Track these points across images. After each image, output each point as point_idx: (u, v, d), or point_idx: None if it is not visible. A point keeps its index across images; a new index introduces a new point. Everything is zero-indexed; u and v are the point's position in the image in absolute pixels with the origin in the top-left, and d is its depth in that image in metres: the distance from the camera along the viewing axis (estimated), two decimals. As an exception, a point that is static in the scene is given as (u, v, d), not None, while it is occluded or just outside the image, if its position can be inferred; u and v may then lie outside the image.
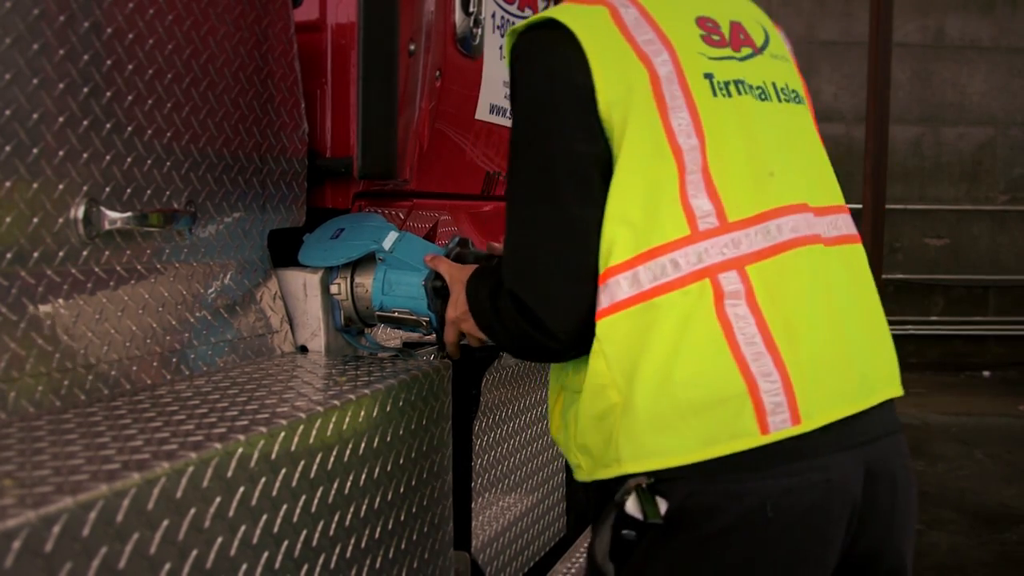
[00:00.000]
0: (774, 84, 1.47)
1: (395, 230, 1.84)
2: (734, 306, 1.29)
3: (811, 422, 1.29)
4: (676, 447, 1.28)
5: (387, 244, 1.80)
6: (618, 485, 1.32)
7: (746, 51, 1.47)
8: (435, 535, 1.71)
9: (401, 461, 1.58)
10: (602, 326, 1.32)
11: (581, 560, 2.56)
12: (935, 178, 9.99)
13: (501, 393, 2.46)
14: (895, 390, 1.45)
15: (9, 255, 1.26)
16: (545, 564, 2.66)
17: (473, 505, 2.25)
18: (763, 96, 1.44)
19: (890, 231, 8.83)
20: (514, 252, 1.42)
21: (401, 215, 2.24)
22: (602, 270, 1.32)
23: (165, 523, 1.06)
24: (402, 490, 1.59)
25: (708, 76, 1.39)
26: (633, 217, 1.32)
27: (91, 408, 1.31)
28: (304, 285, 1.82)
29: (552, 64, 1.37)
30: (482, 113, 2.44)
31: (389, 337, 2.11)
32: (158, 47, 1.51)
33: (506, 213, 1.43)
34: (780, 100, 1.47)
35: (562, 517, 2.90)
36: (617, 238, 1.32)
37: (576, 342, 1.36)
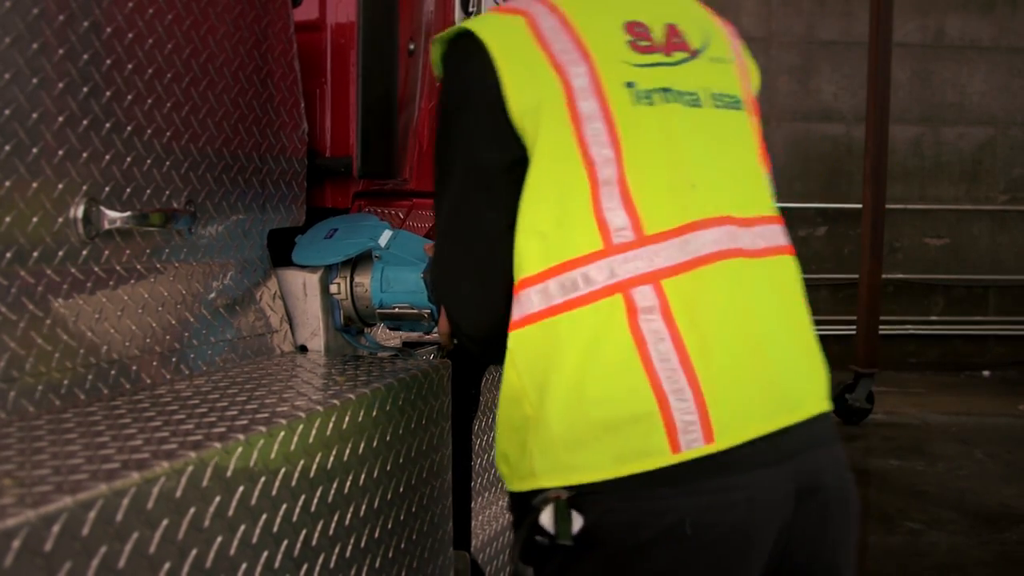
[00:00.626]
0: (708, 89, 1.42)
1: (389, 228, 1.84)
2: (649, 321, 1.25)
3: (724, 440, 1.25)
4: (589, 463, 1.25)
5: (383, 241, 1.81)
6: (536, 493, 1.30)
7: (679, 55, 1.41)
8: (435, 534, 1.71)
9: (401, 460, 1.58)
10: (513, 338, 1.31)
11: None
12: (935, 178, 9.98)
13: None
14: (823, 405, 1.40)
15: (9, 254, 1.26)
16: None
17: (473, 504, 2.25)
18: (694, 102, 1.39)
19: (890, 231, 8.82)
20: (435, 255, 1.47)
21: (400, 214, 2.24)
22: (517, 280, 1.31)
23: (165, 522, 1.06)
24: (402, 489, 1.59)
25: (630, 84, 1.34)
26: (544, 229, 1.30)
27: (91, 408, 1.31)
28: (304, 285, 1.83)
29: (465, 73, 1.39)
30: (482, 113, 2.44)
31: (389, 337, 2.11)
32: (157, 46, 1.51)
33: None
34: (715, 106, 1.41)
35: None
36: (528, 250, 1.31)
37: (492, 345, 1.38)
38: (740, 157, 1.44)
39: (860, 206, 7.41)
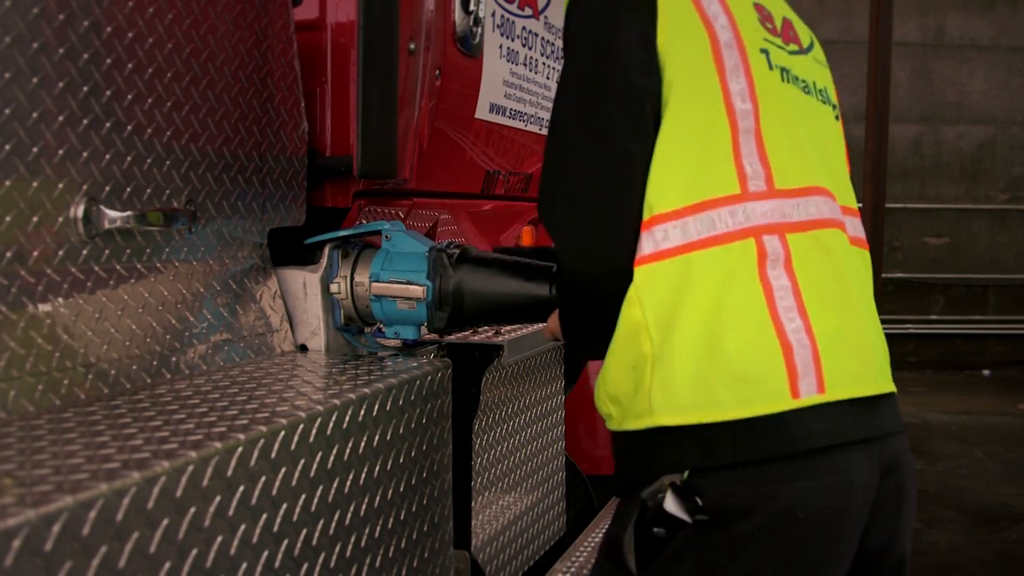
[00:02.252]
0: (815, 84, 1.52)
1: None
2: (773, 269, 1.32)
3: (834, 392, 1.31)
4: (713, 402, 1.28)
5: (390, 226, 1.85)
6: (638, 451, 1.34)
7: (793, 47, 1.51)
8: (435, 534, 1.71)
9: (401, 460, 1.58)
10: (641, 273, 1.32)
11: (581, 559, 2.56)
12: (935, 177, 9.99)
13: (501, 392, 2.46)
14: (893, 386, 1.49)
15: (9, 254, 1.26)
16: (544, 563, 2.66)
17: (473, 504, 2.25)
18: (806, 90, 1.49)
19: (890, 230, 8.84)
20: (555, 183, 1.41)
21: (401, 214, 2.24)
22: (648, 215, 1.32)
23: (165, 522, 1.06)
24: (402, 489, 1.59)
25: (764, 52, 1.42)
26: (685, 167, 1.33)
27: (91, 407, 1.31)
28: (304, 284, 1.83)
29: (618, 3, 1.38)
30: (482, 112, 2.44)
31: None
32: (158, 46, 1.51)
33: (547, 147, 1.43)
34: (819, 100, 1.52)
35: (562, 516, 2.90)
36: (667, 186, 1.33)
37: (610, 284, 1.36)
38: (837, 151, 1.53)
39: (860, 205, 7.42)
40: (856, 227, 1.51)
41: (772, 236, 1.33)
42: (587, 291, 1.41)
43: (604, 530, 2.39)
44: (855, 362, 1.37)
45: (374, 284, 1.82)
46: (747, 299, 1.30)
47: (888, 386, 1.44)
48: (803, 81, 1.49)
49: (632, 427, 1.36)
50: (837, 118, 1.59)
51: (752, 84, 1.38)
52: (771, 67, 1.42)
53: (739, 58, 1.38)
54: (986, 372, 9.60)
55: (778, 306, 1.30)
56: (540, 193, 1.44)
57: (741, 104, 1.36)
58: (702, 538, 1.30)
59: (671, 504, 1.29)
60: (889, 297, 9.03)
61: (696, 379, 1.29)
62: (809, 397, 1.29)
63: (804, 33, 1.58)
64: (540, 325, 2.33)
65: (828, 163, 1.48)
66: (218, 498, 1.14)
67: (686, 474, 1.30)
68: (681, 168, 1.33)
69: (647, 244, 1.32)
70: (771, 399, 1.28)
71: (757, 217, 1.33)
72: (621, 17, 1.37)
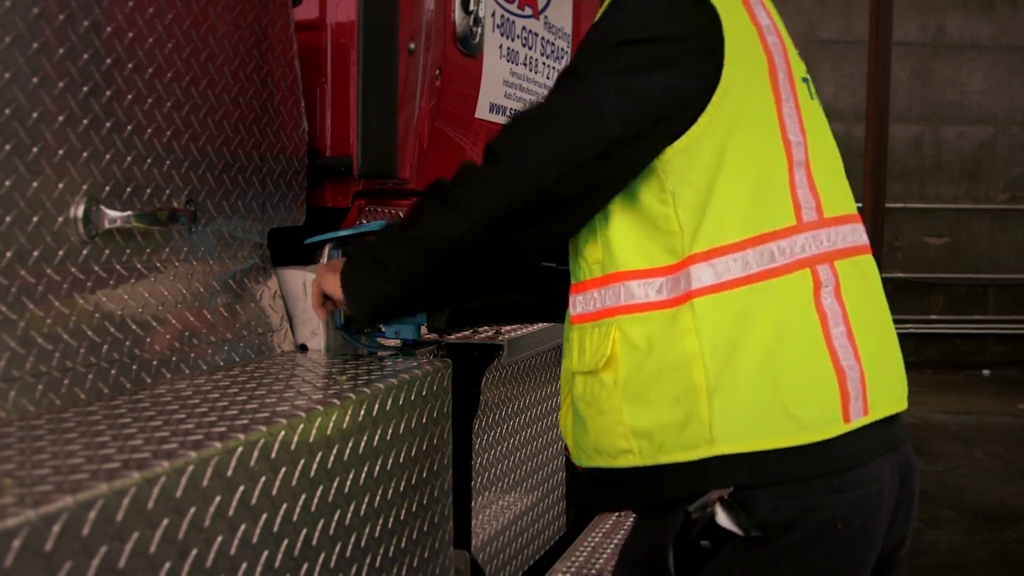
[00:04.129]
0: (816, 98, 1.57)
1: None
2: (827, 297, 1.35)
3: (875, 413, 1.36)
4: (774, 430, 1.31)
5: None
6: (677, 481, 1.34)
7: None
8: (435, 534, 1.71)
9: (401, 460, 1.58)
10: (703, 303, 1.33)
11: (581, 559, 2.56)
12: (935, 177, 9.99)
13: (500, 392, 2.46)
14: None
15: (9, 254, 1.26)
16: (544, 563, 2.66)
17: (473, 504, 2.25)
18: (821, 105, 1.53)
19: (890, 230, 8.84)
20: (531, 118, 1.42)
21: (401, 214, 2.24)
22: (707, 247, 1.34)
23: (165, 522, 1.06)
24: (402, 489, 1.59)
25: (805, 80, 1.46)
26: (744, 200, 1.35)
27: (91, 407, 1.31)
28: (304, 284, 1.83)
29: (682, 9, 1.36)
30: (482, 112, 2.44)
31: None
32: (158, 46, 1.51)
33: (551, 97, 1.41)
34: (824, 111, 1.56)
35: (561, 516, 2.90)
36: (727, 218, 1.34)
37: (488, 229, 1.38)
38: (841, 161, 1.56)
39: (860, 205, 7.42)
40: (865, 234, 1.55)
41: (824, 265, 1.36)
42: (481, 238, 1.40)
43: (608, 533, 2.39)
44: (889, 381, 1.43)
45: None
46: (805, 328, 1.34)
47: (907, 401, 1.50)
48: (817, 97, 1.52)
49: (676, 459, 1.35)
50: None
51: (800, 116, 1.40)
52: (811, 96, 1.46)
53: (790, 89, 1.40)
54: (986, 372, 9.60)
55: (831, 332, 1.34)
56: (510, 126, 1.44)
57: (794, 136, 1.39)
58: (748, 551, 1.32)
59: (723, 519, 1.30)
60: (889, 297, 8.99)
61: (758, 407, 1.32)
62: (857, 420, 1.34)
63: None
64: (540, 325, 2.34)
65: (845, 179, 1.52)
66: (218, 498, 1.14)
67: (732, 488, 1.32)
68: (741, 201, 1.35)
69: (707, 275, 1.33)
70: (827, 425, 1.33)
71: (812, 247, 1.36)
72: (685, 24, 1.36)
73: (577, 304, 1.47)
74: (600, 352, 1.40)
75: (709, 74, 1.34)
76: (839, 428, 1.32)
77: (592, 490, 1.51)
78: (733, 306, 1.33)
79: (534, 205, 1.38)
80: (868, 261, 1.46)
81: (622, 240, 1.39)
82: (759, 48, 1.39)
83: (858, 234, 1.45)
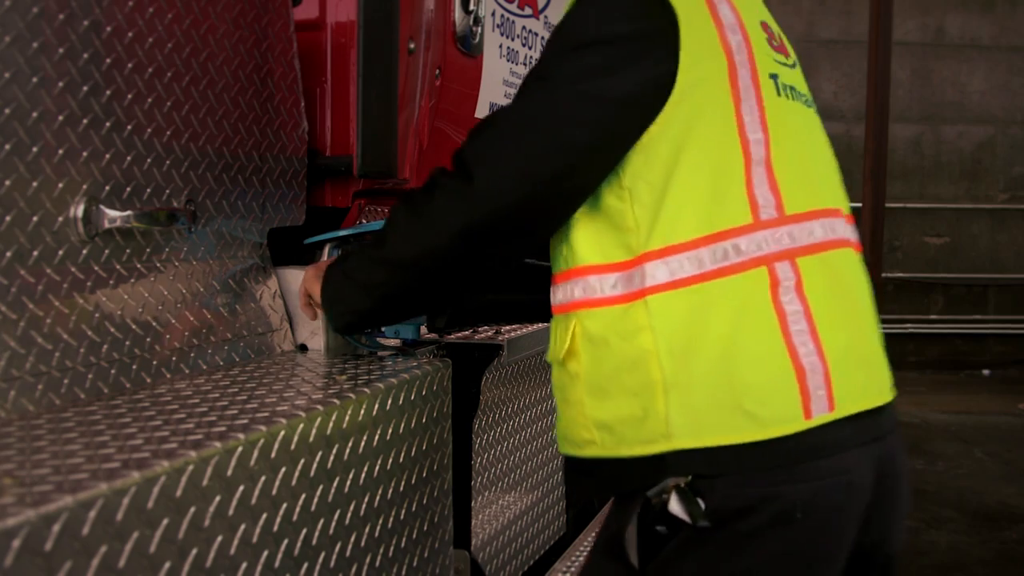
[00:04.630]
0: (806, 92, 1.56)
1: None
2: (786, 294, 1.35)
3: (842, 410, 1.35)
4: (731, 426, 1.32)
5: None
6: (637, 473, 1.36)
7: (790, 60, 1.54)
8: (435, 533, 1.71)
9: (401, 459, 1.58)
10: (657, 300, 1.34)
11: (581, 559, 2.56)
12: (935, 176, 9.99)
13: (500, 391, 2.46)
14: (893, 392, 1.52)
15: (9, 254, 1.26)
16: (544, 563, 2.66)
17: (473, 503, 2.25)
18: (808, 104, 1.53)
19: (890, 229, 8.84)
20: (499, 122, 1.42)
21: (401, 214, 2.24)
22: (662, 245, 1.35)
23: (165, 522, 1.06)
24: (402, 488, 1.59)
25: (773, 76, 1.44)
26: (699, 200, 1.35)
27: (91, 407, 1.31)
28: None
29: (635, 9, 1.37)
30: (482, 111, 2.44)
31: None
32: (158, 45, 1.51)
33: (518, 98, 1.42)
34: (812, 109, 1.56)
35: (561, 516, 2.90)
36: (682, 217, 1.35)
37: (463, 244, 1.40)
38: (831, 157, 1.55)
39: (860, 205, 7.42)
40: (853, 231, 1.53)
41: (783, 262, 1.36)
42: (456, 250, 1.42)
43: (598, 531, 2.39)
44: (863, 377, 1.41)
45: None
46: (762, 326, 1.34)
47: (890, 395, 1.48)
48: (803, 95, 1.51)
49: (635, 453, 1.36)
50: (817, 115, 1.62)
51: (763, 113, 1.40)
52: (779, 92, 1.45)
53: (752, 87, 1.40)
54: (986, 372, 9.60)
55: (791, 330, 1.34)
56: (478, 130, 1.44)
57: (753, 135, 1.38)
58: (704, 536, 1.32)
59: (675, 506, 1.32)
60: (889, 297, 9.03)
61: (715, 405, 1.32)
62: (820, 416, 1.34)
63: (788, 43, 1.59)
64: (541, 325, 2.34)
65: (830, 176, 1.52)
66: (218, 498, 1.14)
67: (690, 476, 1.32)
68: (696, 199, 1.35)
69: (662, 273, 1.34)
70: (786, 422, 1.33)
71: (769, 245, 1.36)
72: (639, 24, 1.36)
73: (556, 294, 1.49)
74: (563, 344, 1.43)
75: (666, 73, 1.34)
76: (799, 425, 1.32)
77: (568, 477, 1.55)
78: (687, 304, 1.34)
79: (509, 220, 1.40)
80: (844, 256, 1.44)
81: (581, 235, 1.41)
82: (719, 47, 1.38)
83: (832, 229, 1.44)
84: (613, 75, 1.35)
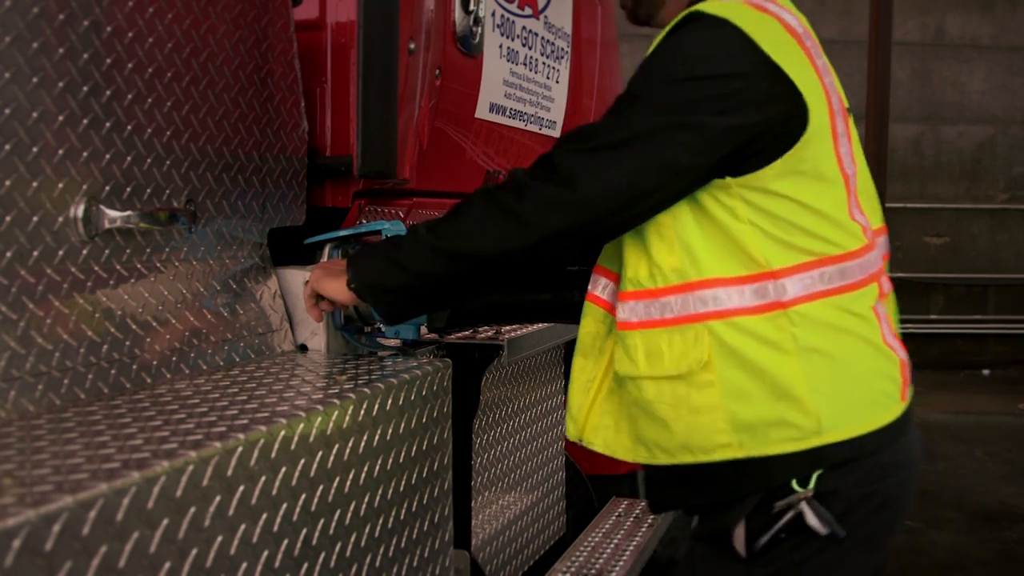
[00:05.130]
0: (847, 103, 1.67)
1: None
2: (881, 306, 1.55)
3: (907, 400, 1.55)
4: (862, 418, 1.46)
5: (389, 226, 1.84)
6: (785, 469, 1.45)
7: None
8: (435, 533, 1.71)
9: (401, 460, 1.58)
10: (798, 311, 1.45)
11: (580, 559, 2.56)
12: (935, 176, 9.99)
13: (501, 392, 2.46)
14: None
15: (9, 254, 1.26)
16: (544, 563, 2.66)
17: (473, 503, 2.25)
18: (849, 111, 1.62)
19: (890, 229, 8.83)
20: (596, 143, 1.47)
21: (401, 213, 2.24)
22: (792, 263, 1.46)
23: (165, 522, 1.06)
24: (402, 488, 1.59)
25: (849, 110, 1.59)
26: (817, 229, 1.48)
27: (91, 407, 1.31)
28: (304, 284, 1.82)
29: (737, 54, 1.43)
30: (482, 112, 2.44)
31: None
32: (158, 46, 1.51)
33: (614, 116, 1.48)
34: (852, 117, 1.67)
35: (561, 516, 2.90)
36: (807, 242, 1.46)
37: (545, 245, 1.47)
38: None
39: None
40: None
41: (883, 277, 1.59)
42: (550, 250, 1.49)
43: (608, 533, 2.39)
44: (907, 376, 1.59)
45: None
46: (874, 328, 1.51)
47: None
48: (849, 109, 1.61)
49: (783, 450, 1.45)
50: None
51: (851, 148, 1.54)
52: (850, 115, 1.58)
53: (843, 124, 1.53)
54: (986, 372, 9.60)
55: (885, 333, 1.54)
56: (573, 136, 1.51)
57: (848, 169, 1.52)
58: (819, 540, 1.45)
59: (812, 519, 1.43)
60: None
61: (852, 399, 1.47)
62: (903, 402, 1.53)
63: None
64: (541, 325, 2.34)
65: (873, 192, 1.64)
66: (218, 498, 1.14)
67: (812, 483, 1.43)
68: (825, 222, 1.48)
69: (798, 287, 1.45)
70: (895, 404, 1.51)
71: (873, 264, 1.54)
72: (745, 66, 1.43)
73: (639, 310, 1.52)
74: (692, 358, 1.47)
75: (789, 117, 1.43)
76: (900, 408, 1.51)
77: (670, 487, 1.59)
78: (824, 311, 1.46)
79: (595, 227, 1.48)
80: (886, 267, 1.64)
81: (703, 250, 1.48)
82: (819, 88, 1.48)
83: (885, 246, 1.63)
84: (718, 109, 1.42)
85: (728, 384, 1.46)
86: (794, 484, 1.44)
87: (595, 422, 1.62)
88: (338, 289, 1.64)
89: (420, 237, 1.56)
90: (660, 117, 1.44)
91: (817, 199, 1.47)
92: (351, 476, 1.43)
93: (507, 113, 2.58)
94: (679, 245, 1.48)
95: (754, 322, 1.45)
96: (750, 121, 1.42)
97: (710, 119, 1.41)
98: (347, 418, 1.42)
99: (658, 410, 1.51)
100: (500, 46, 2.48)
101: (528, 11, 2.63)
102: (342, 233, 1.88)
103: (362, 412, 1.46)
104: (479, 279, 1.59)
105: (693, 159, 1.42)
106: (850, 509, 1.45)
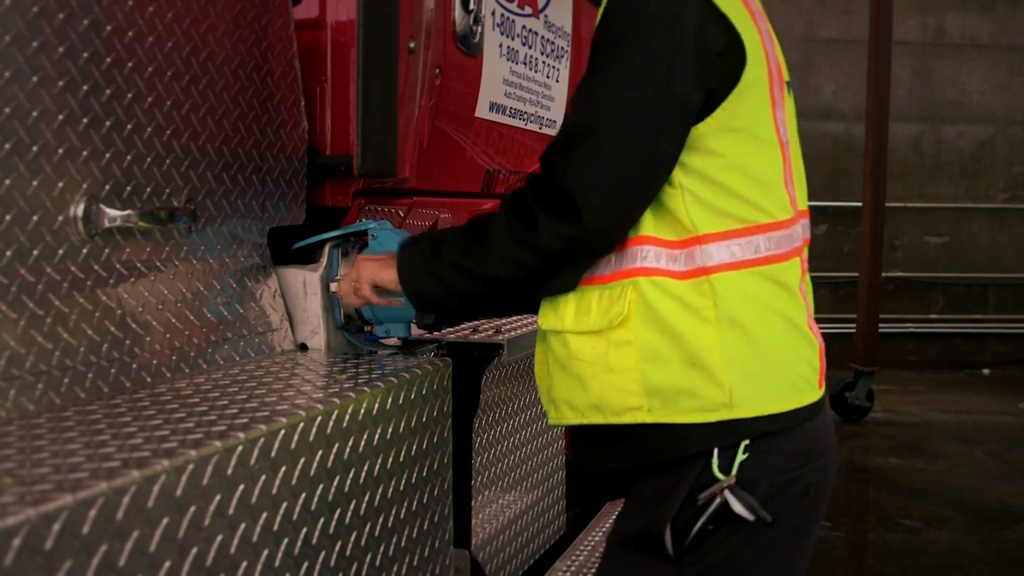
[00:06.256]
0: (789, 79, 1.64)
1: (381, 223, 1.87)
2: (803, 282, 1.54)
3: (823, 388, 1.56)
4: (776, 398, 1.45)
5: (375, 225, 1.84)
6: (692, 439, 1.44)
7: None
8: (435, 532, 1.71)
9: (401, 459, 1.58)
10: (721, 279, 1.43)
11: (580, 558, 2.56)
12: (935, 176, 9.98)
13: (501, 391, 2.46)
14: None
15: (9, 253, 1.26)
16: (544, 562, 2.66)
17: (473, 503, 2.25)
18: (791, 89, 1.61)
19: (890, 229, 8.83)
20: (582, 149, 1.43)
21: (401, 213, 2.24)
22: (722, 229, 1.44)
23: (165, 521, 1.06)
24: (402, 488, 1.59)
25: (787, 83, 1.58)
26: (754, 191, 1.46)
27: (91, 406, 1.31)
28: (304, 283, 1.83)
29: (682, 11, 1.40)
30: (482, 111, 2.44)
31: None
32: (158, 45, 1.51)
33: (573, 119, 1.45)
34: (793, 96, 1.64)
35: (561, 515, 2.90)
36: (738, 208, 1.45)
37: (599, 239, 1.44)
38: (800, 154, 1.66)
39: (860, 204, 7.41)
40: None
41: (804, 252, 1.56)
42: (572, 251, 1.44)
43: (606, 528, 2.38)
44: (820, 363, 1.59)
45: None
46: (800, 305, 1.51)
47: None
48: (790, 83, 1.60)
49: (691, 420, 1.43)
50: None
51: (786, 115, 1.53)
52: (788, 90, 1.57)
53: (780, 92, 1.51)
54: (986, 371, 9.59)
55: (808, 314, 1.53)
56: (556, 152, 1.47)
57: (783, 136, 1.51)
58: (742, 527, 1.44)
59: (738, 507, 1.42)
60: (889, 296, 9.03)
61: (767, 376, 1.45)
62: (818, 390, 1.53)
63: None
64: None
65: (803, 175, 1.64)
66: (218, 497, 1.14)
67: (735, 470, 1.42)
68: (748, 194, 1.46)
69: (724, 253, 1.43)
70: (811, 389, 1.51)
71: (798, 237, 1.53)
72: (685, 25, 1.39)
73: (606, 263, 1.50)
74: (613, 312, 1.45)
75: (735, 71, 1.42)
76: (815, 395, 1.52)
77: (583, 447, 1.58)
78: (743, 283, 1.44)
79: (610, 236, 1.46)
80: (805, 252, 1.61)
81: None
82: (760, 49, 1.47)
83: (807, 229, 1.60)
84: (687, 78, 1.39)
85: (645, 346, 1.43)
86: (716, 471, 1.42)
87: (539, 377, 1.62)
88: (395, 281, 1.62)
89: (456, 253, 1.53)
90: (645, 96, 1.41)
91: (753, 160, 1.45)
92: (351, 475, 1.43)
93: (507, 112, 2.58)
94: None
95: (679, 286, 1.43)
96: (708, 85, 1.42)
97: (683, 92, 1.41)
98: (347, 417, 1.42)
99: (575, 367, 1.49)
100: (500, 45, 2.48)
101: (528, 10, 2.63)
102: (332, 234, 1.86)
103: (362, 411, 1.46)
104: (510, 300, 1.61)
105: (679, 142, 1.43)
106: (774, 495, 1.44)
